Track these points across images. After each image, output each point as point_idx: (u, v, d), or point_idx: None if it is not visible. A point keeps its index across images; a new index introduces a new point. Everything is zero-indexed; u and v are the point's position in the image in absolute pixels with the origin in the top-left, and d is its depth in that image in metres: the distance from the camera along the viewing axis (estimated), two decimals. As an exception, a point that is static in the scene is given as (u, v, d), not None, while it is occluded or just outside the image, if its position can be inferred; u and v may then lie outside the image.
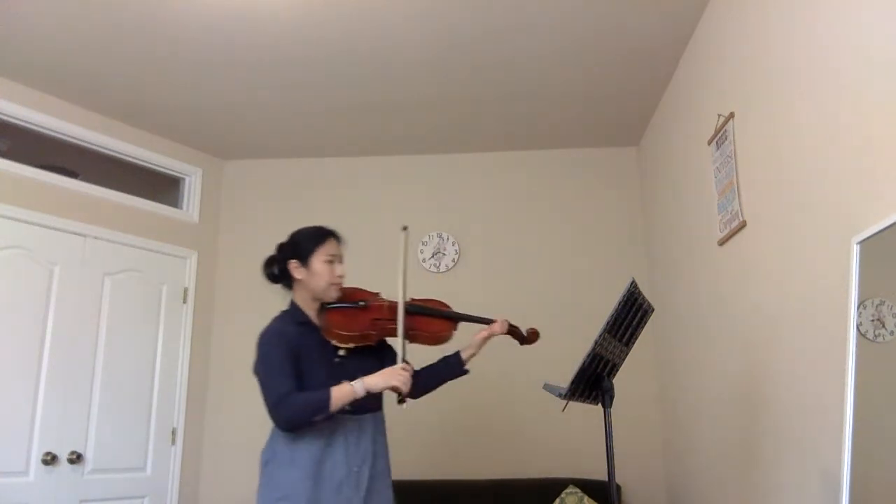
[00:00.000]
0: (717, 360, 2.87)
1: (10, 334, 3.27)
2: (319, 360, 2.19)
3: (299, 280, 2.27)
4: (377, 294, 2.39)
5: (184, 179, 4.27)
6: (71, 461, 3.40)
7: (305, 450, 2.11)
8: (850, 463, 1.48)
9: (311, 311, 2.28)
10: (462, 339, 2.45)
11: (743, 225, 2.50)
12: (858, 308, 1.54)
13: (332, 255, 2.28)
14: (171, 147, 4.14)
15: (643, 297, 2.18)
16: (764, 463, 2.37)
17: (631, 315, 2.14)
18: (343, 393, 2.05)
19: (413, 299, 2.38)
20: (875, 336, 1.50)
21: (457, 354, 2.41)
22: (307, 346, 2.19)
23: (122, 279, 3.79)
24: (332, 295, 2.28)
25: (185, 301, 4.09)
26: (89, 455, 3.50)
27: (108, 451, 3.58)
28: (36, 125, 3.53)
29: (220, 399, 4.12)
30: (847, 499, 1.47)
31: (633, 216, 4.19)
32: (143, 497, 3.70)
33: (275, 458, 2.16)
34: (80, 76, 3.40)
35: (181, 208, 4.23)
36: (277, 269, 2.32)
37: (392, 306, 2.30)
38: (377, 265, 3.85)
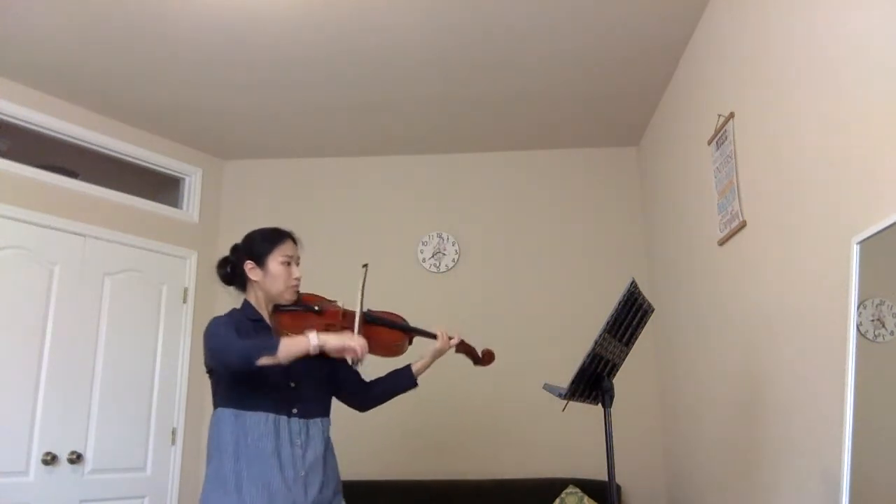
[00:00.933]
0: (717, 360, 2.87)
1: (10, 334, 3.27)
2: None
3: (255, 282, 2.22)
4: (334, 301, 2.34)
5: (184, 179, 4.27)
6: (71, 461, 3.40)
7: (252, 447, 2.06)
8: (850, 463, 1.48)
9: (264, 311, 2.24)
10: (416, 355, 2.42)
11: (743, 225, 2.50)
12: (858, 308, 1.54)
13: (289, 257, 2.23)
14: (171, 147, 4.15)
15: (643, 297, 2.18)
16: (764, 463, 2.37)
17: (631, 315, 2.14)
18: (297, 342, 1.96)
19: (370, 310, 2.32)
20: (875, 336, 1.50)
21: (407, 367, 2.38)
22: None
23: (122, 279, 3.79)
24: (288, 297, 2.23)
25: (185, 301, 4.09)
26: (89, 455, 3.50)
27: (108, 451, 3.58)
28: (36, 125, 3.53)
29: (220, 399, 4.11)
30: (847, 499, 1.47)
31: (633, 216, 4.19)
32: (143, 497, 3.70)
33: (217, 450, 2.10)
34: (80, 76, 3.40)
35: (181, 208, 4.23)
36: (230, 270, 2.27)
37: (347, 313, 2.24)
38: (376, 266, 3.85)
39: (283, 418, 2.10)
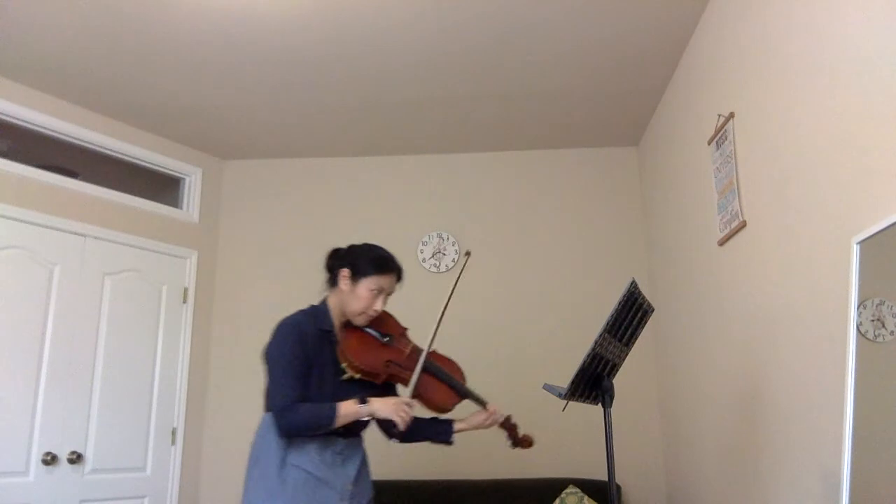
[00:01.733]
0: (717, 360, 2.87)
1: (10, 334, 3.27)
2: (329, 375, 2.16)
3: (341, 289, 2.24)
4: (405, 331, 2.35)
5: (184, 179, 4.27)
6: (71, 461, 3.40)
7: (300, 460, 2.08)
8: (850, 463, 1.48)
9: (337, 321, 2.25)
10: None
11: (743, 225, 2.50)
12: (858, 308, 1.54)
13: (381, 288, 2.22)
14: (171, 147, 4.15)
15: (643, 297, 2.18)
16: (764, 463, 2.37)
17: (631, 315, 2.14)
18: (348, 412, 2.04)
19: (435, 352, 2.33)
20: (875, 336, 1.50)
21: (450, 424, 2.36)
22: (321, 357, 2.16)
23: (122, 279, 3.79)
24: (360, 322, 2.24)
25: (185, 301, 4.09)
26: (89, 455, 3.50)
27: (108, 451, 3.58)
28: (36, 125, 3.53)
29: (220, 399, 4.12)
30: (847, 499, 1.47)
31: (633, 216, 4.19)
32: (143, 497, 3.70)
33: (265, 455, 2.11)
34: (80, 76, 3.40)
35: (181, 208, 4.23)
36: (333, 265, 2.29)
37: (412, 353, 2.24)
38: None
39: (331, 437, 2.13)
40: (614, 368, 2.18)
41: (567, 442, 3.83)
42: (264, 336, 2.14)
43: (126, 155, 3.92)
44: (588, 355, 2.00)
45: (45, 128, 3.56)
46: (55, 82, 3.45)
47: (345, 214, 4.34)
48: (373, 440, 2.39)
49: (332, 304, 2.26)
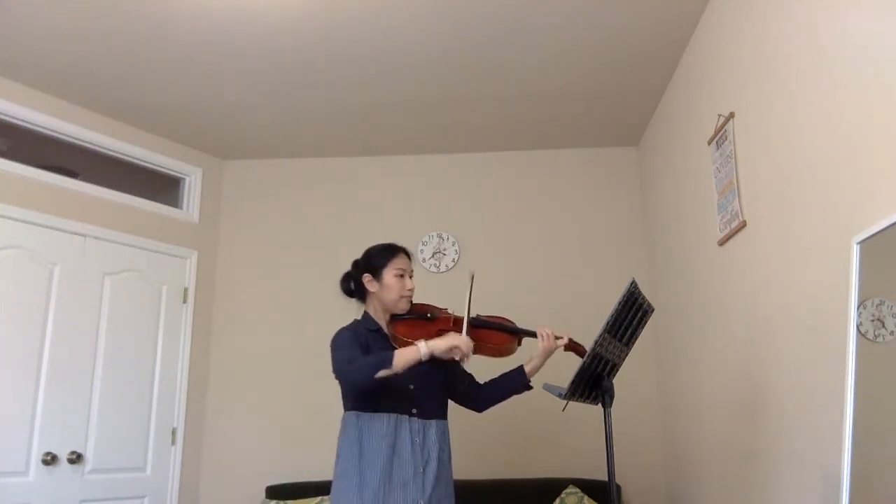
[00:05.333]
0: (717, 361, 2.87)
1: (10, 334, 3.27)
2: None
3: (372, 293, 2.38)
4: (446, 309, 2.47)
5: (184, 179, 4.27)
6: (71, 461, 3.40)
7: (374, 446, 2.18)
8: (850, 463, 1.48)
9: (381, 321, 2.39)
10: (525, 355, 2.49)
11: (743, 225, 2.50)
12: (858, 308, 1.54)
13: (402, 270, 2.38)
14: (171, 147, 4.14)
15: (643, 297, 2.18)
16: (764, 463, 2.37)
17: (631, 315, 2.14)
18: (408, 352, 2.10)
19: (478, 315, 2.45)
20: (875, 336, 1.50)
21: (520, 368, 2.47)
22: (378, 348, 2.27)
23: (122, 279, 3.79)
24: (403, 307, 2.38)
25: (185, 301, 4.09)
26: (89, 455, 3.50)
27: (108, 451, 3.58)
28: (36, 125, 3.53)
29: (220, 399, 4.12)
30: (847, 499, 1.47)
31: (633, 216, 4.19)
32: (143, 497, 3.70)
33: (343, 451, 2.22)
34: (80, 76, 3.40)
35: (181, 208, 4.23)
36: (353, 284, 2.43)
37: (457, 319, 2.38)
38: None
39: (404, 417, 2.23)
40: (614, 368, 2.18)
41: (567, 442, 3.83)
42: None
43: (126, 155, 3.92)
44: (588, 355, 2.00)
45: (45, 128, 3.56)
46: (55, 82, 3.45)
47: (345, 214, 4.34)
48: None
49: (371, 310, 2.41)
